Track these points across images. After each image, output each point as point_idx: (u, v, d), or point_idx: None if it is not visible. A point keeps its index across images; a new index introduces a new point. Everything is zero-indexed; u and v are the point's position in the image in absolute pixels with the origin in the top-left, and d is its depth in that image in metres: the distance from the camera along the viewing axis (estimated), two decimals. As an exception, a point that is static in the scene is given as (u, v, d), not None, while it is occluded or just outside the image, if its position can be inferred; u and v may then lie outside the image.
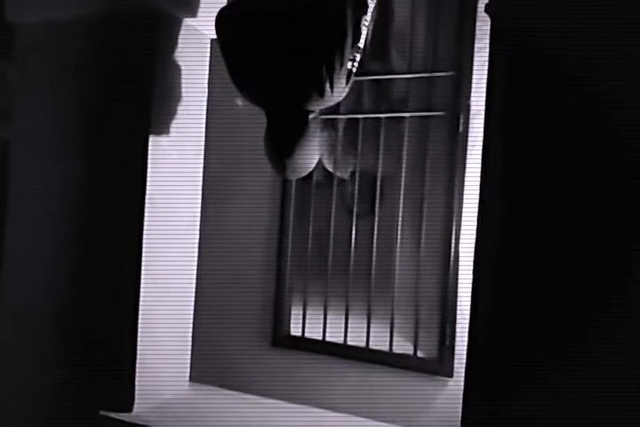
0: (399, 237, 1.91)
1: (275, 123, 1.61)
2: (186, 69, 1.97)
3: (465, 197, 1.80)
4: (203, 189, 2.16)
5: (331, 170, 2.05)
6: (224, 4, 1.73)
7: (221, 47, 1.65)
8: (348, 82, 1.58)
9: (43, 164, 1.98)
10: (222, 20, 1.63)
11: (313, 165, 1.69)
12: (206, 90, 2.12)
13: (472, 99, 1.80)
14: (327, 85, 1.53)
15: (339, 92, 1.58)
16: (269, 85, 1.59)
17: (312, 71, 1.52)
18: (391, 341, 1.91)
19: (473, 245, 1.28)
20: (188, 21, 1.96)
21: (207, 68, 2.11)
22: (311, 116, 1.60)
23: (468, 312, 1.28)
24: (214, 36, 1.72)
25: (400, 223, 1.91)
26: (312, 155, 1.64)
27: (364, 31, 1.57)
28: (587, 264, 1.12)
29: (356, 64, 1.57)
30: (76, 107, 1.95)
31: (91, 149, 1.92)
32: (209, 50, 2.10)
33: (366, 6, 1.58)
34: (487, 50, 1.27)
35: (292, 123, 1.59)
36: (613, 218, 1.09)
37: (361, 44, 1.57)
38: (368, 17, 1.58)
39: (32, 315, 1.99)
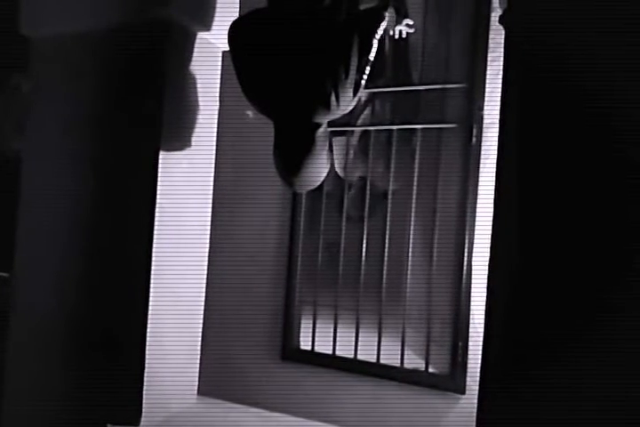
0: (411, 249, 1.89)
1: (282, 137, 1.62)
2: (198, 81, 1.99)
3: (478, 209, 1.78)
4: (213, 200, 2.16)
5: (341, 174, 2.05)
6: (236, 17, 1.74)
7: (233, 59, 1.66)
8: (355, 94, 1.58)
9: (55, 173, 2.00)
10: (235, 32, 1.65)
11: (321, 179, 1.69)
12: (218, 101, 2.13)
13: (485, 110, 1.79)
14: (333, 97, 1.54)
15: (345, 103, 1.58)
16: (278, 97, 1.60)
17: (317, 83, 1.53)
18: (402, 356, 1.88)
19: (486, 258, 1.25)
20: (200, 33, 1.98)
21: (219, 79, 2.12)
22: (320, 130, 1.60)
23: (482, 327, 1.25)
24: (226, 49, 1.74)
25: (412, 236, 1.89)
26: (320, 170, 1.65)
27: (375, 44, 1.58)
28: (605, 277, 1.09)
29: (365, 76, 1.58)
30: (89, 118, 1.96)
31: (102, 159, 1.93)
32: (221, 62, 2.12)
33: (379, 21, 1.61)
34: (500, 61, 1.26)
35: (300, 138, 1.59)
36: (633, 230, 1.06)
37: (371, 56, 1.57)
38: (380, 31, 1.60)
39: (41, 326, 1.99)
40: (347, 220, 2.01)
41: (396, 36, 1.81)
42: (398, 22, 1.77)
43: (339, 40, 1.55)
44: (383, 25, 1.63)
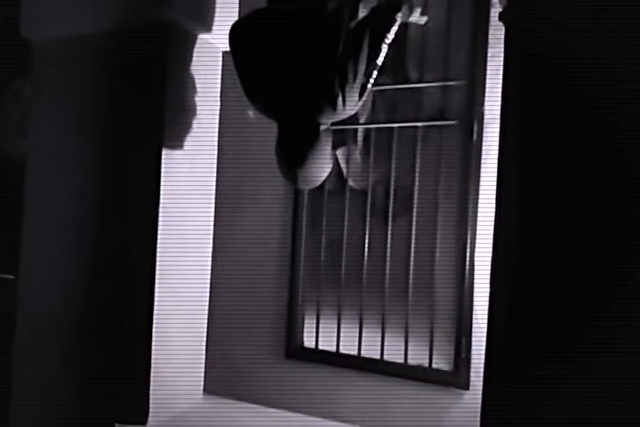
0: (413, 246, 1.89)
1: (286, 135, 1.63)
2: (199, 81, 1.99)
3: (480, 205, 1.79)
4: (216, 200, 2.16)
5: (351, 183, 2.04)
6: (236, 17, 1.75)
7: (234, 60, 1.67)
8: (361, 96, 1.59)
9: (58, 176, 2.01)
10: (236, 33, 1.65)
11: (325, 176, 1.69)
12: (219, 102, 2.14)
13: (485, 106, 1.79)
14: (340, 99, 1.55)
15: (351, 105, 1.59)
16: (281, 98, 1.61)
17: (325, 85, 1.54)
18: (406, 352, 1.89)
19: (489, 255, 1.26)
20: (200, 34, 1.98)
21: (220, 80, 2.13)
22: (323, 127, 1.60)
23: (485, 323, 1.26)
24: (227, 49, 1.74)
25: (414, 233, 1.89)
26: (323, 166, 1.65)
27: (384, 48, 1.59)
28: (606, 275, 1.10)
29: (372, 80, 1.59)
30: (91, 120, 1.97)
31: (105, 161, 1.94)
32: (221, 62, 2.12)
33: (390, 25, 1.61)
34: (500, 57, 1.27)
35: (304, 135, 1.60)
36: (634, 228, 1.07)
37: (379, 61, 1.58)
38: (390, 35, 1.60)
39: (47, 326, 2.00)
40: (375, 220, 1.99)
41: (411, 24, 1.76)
42: (411, 14, 1.72)
43: (348, 42, 1.56)
44: (394, 29, 1.63)
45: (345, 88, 1.54)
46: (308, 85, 1.56)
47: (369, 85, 1.60)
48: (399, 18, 1.64)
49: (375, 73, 1.60)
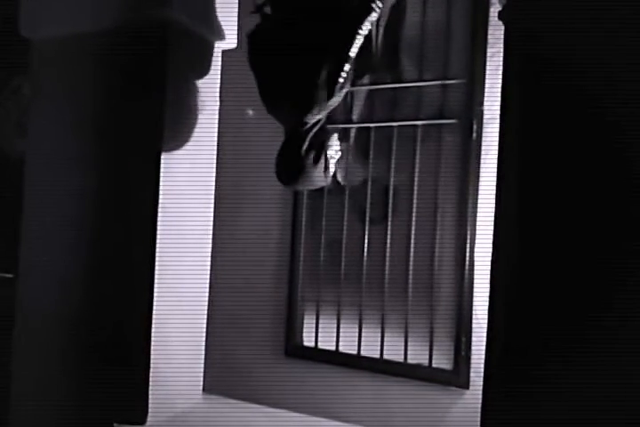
0: (412, 245, 1.89)
1: (285, 137, 1.68)
2: (199, 81, 1.99)
3: (479, 204, 1.79)
4: (215, 200, 2.16)
5: (341, 180, 2.04)
6: (236, 16, 1.75)
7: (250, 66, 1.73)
8: (332, 93, 1.56)
9: (57, 176, 2.00)
10: (249, 40, 1.72)
11: (320, 178, 1.71)
12: (219, 101, 2.14)
13: (485, 105, 1.79)
14: (306, 98, 1.56)
15: (321, 104, 1.59)
16: (273, 102, 1.68)
17: (293, 85, 1.57)
18: (405, 351, 1.89)
19: (489, 253, 1.26)
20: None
21: (219, 79, 2.12)
22: (306, 127, 1.64)
23: (484, 321, 1.26)
24: (227, 48, 1.75)
25: (413, 232, 1.90)
26: (316, 179, 1.70)
27: (357, 41, 1.55)
28: (607, 273, 1.10)
29: (343, 74, 1.55)
30: (90, 120, 1.97)
31: (104, 161, 1.94)
32: (221, 61, 2.12)
33: (361, 16, 1.56)
34: (500, 56, 1.27)
35: (292, 136, 1.64)
36: (634, 228, 1.07)
37: (352, 54, 1.55)
38: (365, 26, 1.57)
39: (46, 326, 2.00)
40: (370, 222, 2.00)
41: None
42: None
43: (316, 39, 1.54)
44: (370, 19, 1.56)
45: (311, 86, 1.54)
46: (285, 86, 1.60)
47: (340, 80, 1.55)
48: (377, 6, 1.55)
49: (347, 68, 1.54)
